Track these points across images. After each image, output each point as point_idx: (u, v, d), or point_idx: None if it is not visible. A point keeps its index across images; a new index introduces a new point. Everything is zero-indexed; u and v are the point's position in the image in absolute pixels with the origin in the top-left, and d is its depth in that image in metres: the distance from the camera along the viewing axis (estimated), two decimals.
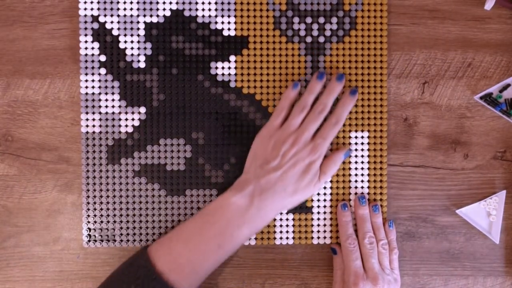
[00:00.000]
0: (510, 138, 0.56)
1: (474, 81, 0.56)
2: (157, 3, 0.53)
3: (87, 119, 0.53)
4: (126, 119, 0.54)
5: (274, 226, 0.54)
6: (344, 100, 0.53)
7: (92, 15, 0.53)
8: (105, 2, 0.53)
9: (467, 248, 0.56)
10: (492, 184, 0.56)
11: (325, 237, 0.55)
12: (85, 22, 0.53)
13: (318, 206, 0.55)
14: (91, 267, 0.55)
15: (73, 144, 0.54)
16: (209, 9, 0.54)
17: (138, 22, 0.53)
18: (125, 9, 0.53)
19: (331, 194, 0.55)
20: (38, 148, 0.54)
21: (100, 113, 0.53)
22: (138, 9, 0.53)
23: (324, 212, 0.55)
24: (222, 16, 0.54)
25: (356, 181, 0.55)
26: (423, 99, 0.56)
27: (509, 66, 0.56)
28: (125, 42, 0.53)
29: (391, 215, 0.56)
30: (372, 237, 0.52)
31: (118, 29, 0.53)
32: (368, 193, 0.55)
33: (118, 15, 0.53)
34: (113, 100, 0.53)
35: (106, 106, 0.53)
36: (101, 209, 0.54)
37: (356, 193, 0.55)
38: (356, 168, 0.55)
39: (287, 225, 0.55)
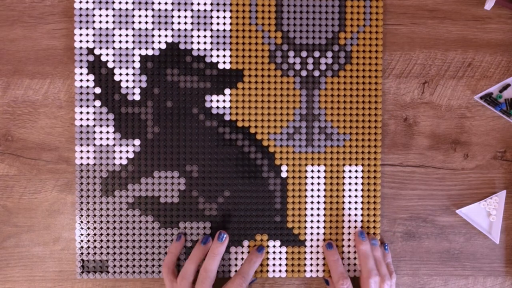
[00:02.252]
0: (510, 138, 0.56)
1: (474, 81, 0.56)
2: (153, 36, 0.53)
3: (81, 151, 0.53)
4: (121, 152, 0.54)
5: (267, 259, 0.55)
6: (251, 257, 0.53)
7: (87, 48, 0.53)
8: (100, 35, 0.53)
9: (467, 248, 0.56)
10: (492, 184, 0.56)
11: (317, 270, 0.55)
12: (81, 54, 0.53)
13: (311, 240, 0.55)
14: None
15: (73, 144, 0.55)
16: (205, 42, 0.54)
17: (133, 55, 0.53)
18: (120, 41, 0.53)
19: (324, 227, 0.55)
20: (38, 148, 0.54)
21: (94, 145, 0.53)
22: (133, 41, 0.53)
23: (317, 246, 0.55)
24: (218, 49, 0.54)
25: (349, 214, 0.55)
26: (423, 99, 0.56)
27: (509, 66, 0.56)
28: (120, 74, 0.53)
29: (391, 215, 0.56)
30: (377, 275, 0.51)
31: (114, 61, 0.53)
32: (362, 227, 0.55)
33: (114, 48, 0.53)
34: (107, 132, 0.54)
35: (101, 138, 0.53)
36: (95, 240, 0.54)
37: (349, 226, 0.55)
38: (349, 202, 0.55)
39: (280, 258, 0.55)
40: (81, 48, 0.53)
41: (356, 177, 0.55)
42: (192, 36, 0.54)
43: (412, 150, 0.56)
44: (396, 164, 0.56)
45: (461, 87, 0.56)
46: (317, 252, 0.55)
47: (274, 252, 0.55)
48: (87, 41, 0.53)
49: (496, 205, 0.56)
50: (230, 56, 0.54)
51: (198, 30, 0.54)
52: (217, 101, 0.54)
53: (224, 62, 0.54)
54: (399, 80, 0.56)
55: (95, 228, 0.54)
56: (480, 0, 0.56)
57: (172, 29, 0.54)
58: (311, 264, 0.55)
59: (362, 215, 0.55)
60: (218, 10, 0.54)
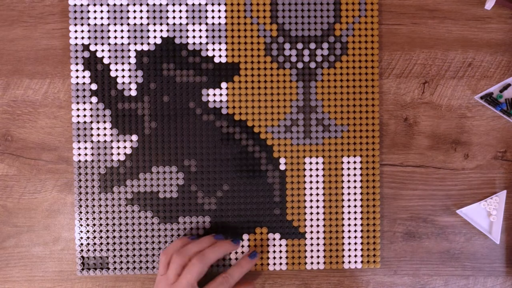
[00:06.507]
0: (510, 138, 0.56)
1: (475, 81, 0.56)
2: (148, 31, 0.53)
3: (79, 148, 0.53)
4: (118, 147, 0.54)
5: (268, 252, 0.54)
6: (241, 261, 0.52)
7: (83, 44, 0.53)
8: (95, 31, 0.53)
9: (468, 248, 0.56)
10: (492, 184, 0.56)
11: (318, 262, 0.55)
12: (76, 51, 0.53)
13: (311, 232, 0.55)
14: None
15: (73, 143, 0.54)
16: (200, 36, 0.54)
17: (129, 50, 0.53)
18: (116, 37, 0.53)
19: (324, 219, 0.55)
20: (38, 148, 0.54)
21: (92, 141, 0.53)
22: (129, 37, 0.53)
23: (317, 238, 0.55)
24: (213, 43, 0.54)
25: (349, 206, 0.55)
26: (423, 99, 0.56)
27: (509, 66, 0.56)
28: (116, 70, 0.53)
29: (391, 215, 0.56)
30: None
31: (109, 57, 0.53)
32: (362, 218, 0.55)
33: (109, 44, 0.53)
34: (105, 128, 0.53)
35: (98, 135, 0.53)
36: (94, 237, 0.54)
37: (349, 218, 0.55)
38: (348, 193, 0.55)
39: (280, 251, 0.54)
40: (76, 44, 0.53)
41: (354, 168, 0.55)
42: (187, 30, 0.54)
43: (412, 150, 0.56)
44: (396, 164, 0.56)
45: (462, 87, 0.56)
46: (317, 244, 0.55)
47: (274, 245, 0.54)
48: (82, 38, 0.53)
49: (497, 205, 0.55)
50: (226, 49, 0.54)
51: (194, 24, 0.54)
52: (214, 95, 0.54)
53: (220, 56, 0.54)
54: (399, 80, 0.56)
55: (94, 225, 0.54)
56: (480, 0, 0.56)
57: (167, 24, 0.53)
58: (312, 257, 0.55)
59: (361, 206, 0.55)
60: (213, 4, 0.54)
